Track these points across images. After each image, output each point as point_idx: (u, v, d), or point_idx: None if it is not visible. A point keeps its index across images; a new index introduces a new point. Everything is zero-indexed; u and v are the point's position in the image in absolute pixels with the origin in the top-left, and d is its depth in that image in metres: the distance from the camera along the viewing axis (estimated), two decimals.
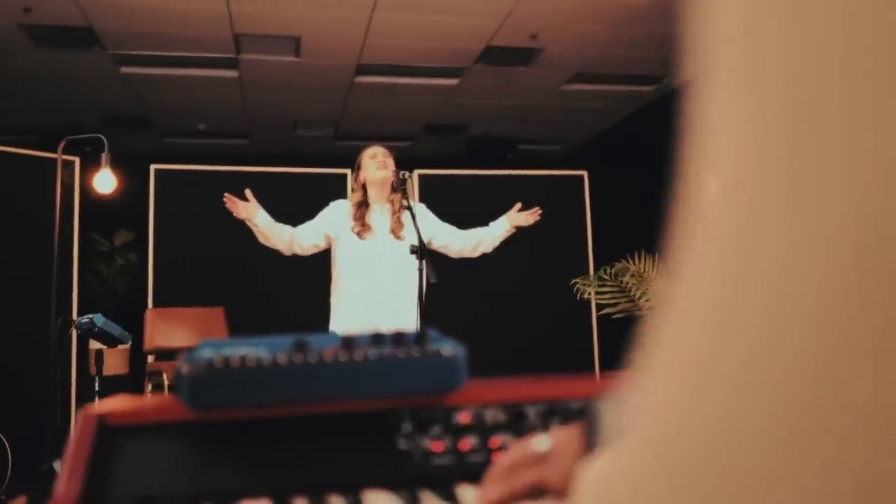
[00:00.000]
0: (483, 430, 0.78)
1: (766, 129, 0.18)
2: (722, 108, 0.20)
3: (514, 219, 3.28)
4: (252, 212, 3.04)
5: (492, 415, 0.79)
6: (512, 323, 5.37)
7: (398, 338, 0.82)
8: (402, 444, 0.75)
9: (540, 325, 5.42)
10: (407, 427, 0.77)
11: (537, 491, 0.56)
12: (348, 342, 0.80)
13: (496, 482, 0.59)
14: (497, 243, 3.35)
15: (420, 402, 0.78)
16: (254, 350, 0.78)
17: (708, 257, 0.19)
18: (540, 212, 3.30)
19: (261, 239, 3.15)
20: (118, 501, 0.67)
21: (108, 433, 0.71)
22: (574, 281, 4.18)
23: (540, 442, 0.57)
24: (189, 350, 0.80)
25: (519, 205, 3.31)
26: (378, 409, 0.77)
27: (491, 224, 3.34)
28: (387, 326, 3.02)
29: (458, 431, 0.77)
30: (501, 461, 0.60)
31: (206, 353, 0.77)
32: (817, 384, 0.16)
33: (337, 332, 3.15)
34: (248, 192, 3.05)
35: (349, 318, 3.12)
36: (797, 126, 0.17)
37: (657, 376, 0.20)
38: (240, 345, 0.80)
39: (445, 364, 0.79)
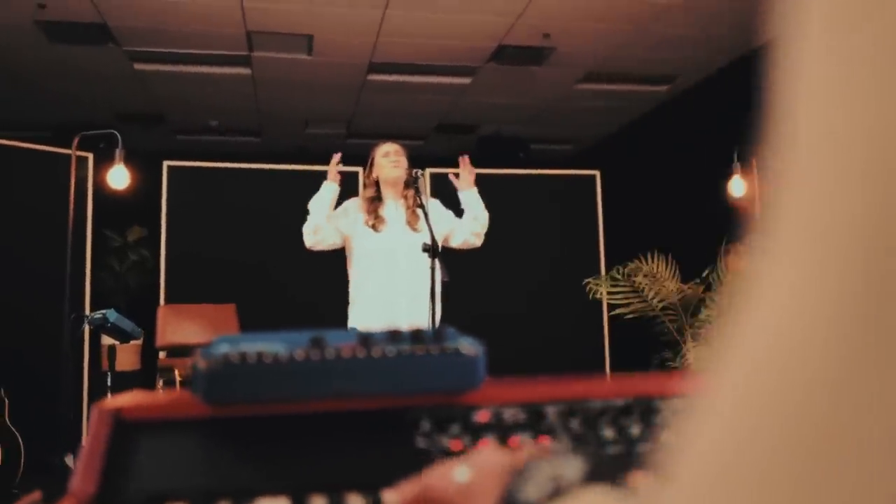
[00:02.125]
0: (502, 429, 0.77)
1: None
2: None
3: (463, 184, 3.25)
4: (336, 177, 3.17)
5: (511, 414, 0.78)
6: (523, 322, 5.35)
7: (416, 335, 0.81)
8: (421, 442, 0.74)
9: (551, 325, 5.40)
10: (425, 425, 0.75)
11: None
12: (365, 339, 0.79)
13: None
14: (481, 208, 3.27)
15: (439, 400, 0.77)
16: (270, 346, 0.77)
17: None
18: (467, 157, 3.28)
19: (314, 206, 3.16)
20: (134, 497, 0.66)
21: (124, 428, 0.70)
22: (587, 281, 4.15)
23: (460, 472, 0.55)
24: (204, 345, 0.79)
25: (459, 166, 3.27)
26: (396, 407, 0.76)
27: (464, 206, 3.28)
28: (405, 321, 3.02)
29: (477, 430, 0.76)
30: (416, 487, 0.57)
31: (222, 349, 0.76)
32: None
33: (356, 328, 3.14)
34: (337, 157, 3.22)
35: (367, 314, 3.10)
36: None
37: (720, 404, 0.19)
38: (256, 340, 0.79)
39: (465, 362, 0.77)
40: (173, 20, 5.22)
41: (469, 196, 3.25)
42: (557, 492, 0.46)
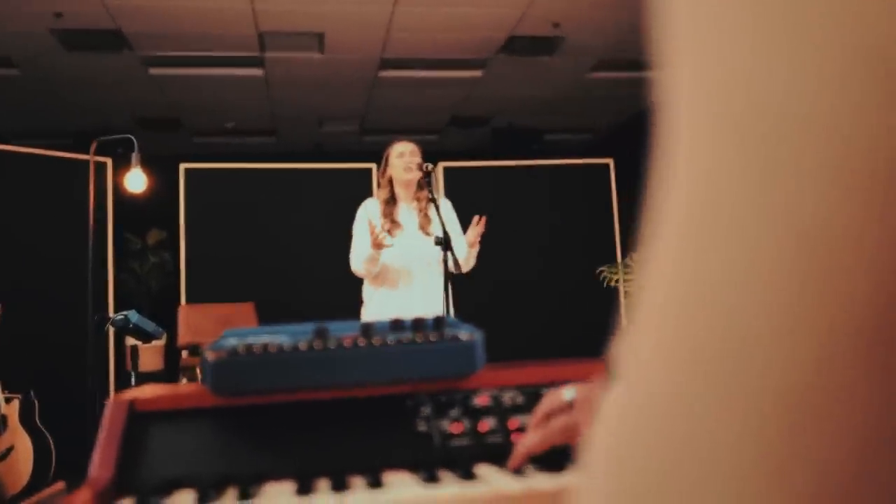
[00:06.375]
0: (501, 411, 0.79)
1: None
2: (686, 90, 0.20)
3: (469, 238, 3.12)
4: (378, 247, 2.98)
5: (510, 397, 0.81)
6: (539, 311, 5.36)
7: (417, 324, 0.83)
8: (422, 426, 0.77)
9: (567, 313, 5.40)
10: (426, 410, 0.78)
11: (569, 433, 0.70)
12: (367, 329, 0.81)
13: (534, 429, 0.72)
14: (469, 261, 3.16)
15: (439, 385, 0.80)
16: (276, 337, 0.80)
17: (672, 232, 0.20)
18: (483, 219, 3.09)
19: (369, 256, 3.04)
20: (147, 483, 0.69)
21: (138, 418, 0.74)
22: (601, 269, 4.15)
23: (568, 391, 0.71)
24: (214, 339, 0.83)
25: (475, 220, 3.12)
26: (398, 394, 0.79)
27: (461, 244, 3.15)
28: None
29: (477, 413, 0.79)
30: (537, 410, 0.73)
31: (230, 341, 0.79)
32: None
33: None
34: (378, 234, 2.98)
35: (381, 314, 3.12)
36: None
37: (639, 330, 0.21)
38: (262, 333, 0.82)
39: (463, 348, 0.80)
40: (186, 24, 5.28)
41: (464, 251, 3.13)
42: None
